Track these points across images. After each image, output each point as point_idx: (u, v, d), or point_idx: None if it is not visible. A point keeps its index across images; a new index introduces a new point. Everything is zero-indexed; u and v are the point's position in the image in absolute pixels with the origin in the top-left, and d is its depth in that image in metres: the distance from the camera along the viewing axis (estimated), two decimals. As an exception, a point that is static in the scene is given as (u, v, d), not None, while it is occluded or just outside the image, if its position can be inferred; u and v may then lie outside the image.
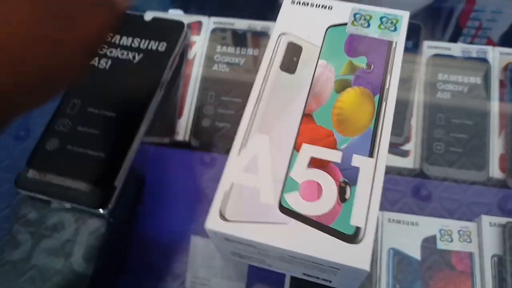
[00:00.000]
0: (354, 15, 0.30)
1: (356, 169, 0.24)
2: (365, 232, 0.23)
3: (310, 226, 0.23)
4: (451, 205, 0.37)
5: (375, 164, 0.24)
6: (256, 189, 0.24)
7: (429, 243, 0.35)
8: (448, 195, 0.38)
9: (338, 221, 0.23)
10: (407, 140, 0.39)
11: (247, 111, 0.27)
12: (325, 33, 0.29)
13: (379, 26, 0.29)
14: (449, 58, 0.42)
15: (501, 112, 0.40)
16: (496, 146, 0.39)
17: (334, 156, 0.25)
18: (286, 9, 0.30)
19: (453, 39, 0.62)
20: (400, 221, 0.36)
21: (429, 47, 0.42)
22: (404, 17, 0.29)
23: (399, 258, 0.34)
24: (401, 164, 0.39)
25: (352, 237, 0.23)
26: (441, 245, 0.35)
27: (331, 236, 0.23)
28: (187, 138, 0.41)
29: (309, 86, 0.27)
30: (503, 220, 0.34)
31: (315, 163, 0.25)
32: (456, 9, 0.61)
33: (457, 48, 0.42)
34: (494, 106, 0.40)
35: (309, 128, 0.26)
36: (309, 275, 0.27)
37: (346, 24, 0.29)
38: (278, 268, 0.28)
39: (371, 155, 0.25)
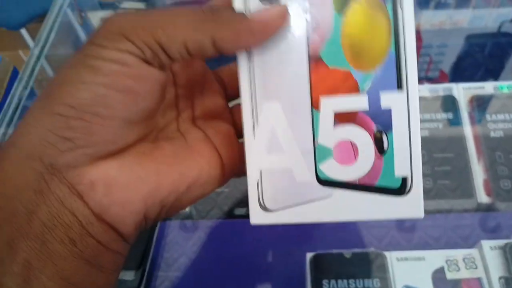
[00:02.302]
0: None
1: (388, 111, 0.21)
2: (412, 180, 0.21)
3: (355, 190, 0.21)
4: (435, 232, 0.40)
5: (406, 97, 0.21)
6: (287, 168, 0.22)
7: (438, 275, 0.37)
8: (431, 222, 0.41)
9: (382, 177, 0.21)
10: (398, 179, 0.43)
11: (242, 76, 0.22)
12: None
13: None
14: (420, 99, 0.46)
15: (476, 141, 0.44)
16: (478, 172, 0.43)
17: (360, 102, 0.21)
18: None
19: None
20: (408, 258, 0.38)
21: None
22: None
23: (415, 294, 0.36)
24: (396, 203, 0.42)
25: (401, 190, 0.21)
26: (450, 275, 0.37)
27: (379, 195, 0.21)
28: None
29: (303, 16, 0.21)
30: (502, 242, 0.37)
31: (341, 118, 0.21)
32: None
33: (425, 89, 0.46)
34: (469, 136, 0.44)
35: (322, 75, 0.21)
36: None
37: None
38: None
39: (400, 86, 0.21)
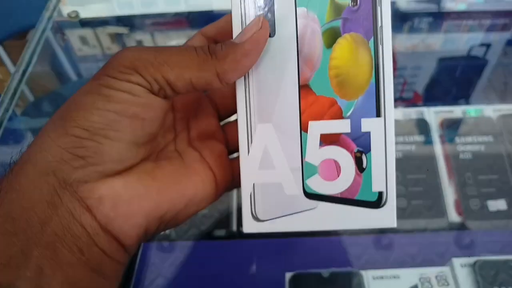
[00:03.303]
0: None
1: (368, 135, 0.24)
2: (386, 194, 0.24)
3: (337, 203, 0.24)
4: (411, 250, 0.42)
5: (384, 123, 0.24)
6: (278, 183, 0.25)
7: (413, 293, 0.39)
8: (407, 241, 0.43)
9: (361, 192, 0.24)
10: (374, 200, 0.44)
11: (239, 100, 0.25)
12: None
13: None
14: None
15: (446, 162, 0.46)
16: (449, 193, 0.45)
17: (343, 126, 0.24)
18: None
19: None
20: (383, 276, 0.40)
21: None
22: None
23: (392, 313, 0.38)
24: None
25: (377, 203, 0.24)
26: (424, 293, 0.39)
27: (358, 207, 0.24)
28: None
29: (295, 48, 0.24)
30: (472, 260, 0.39)
31: (326, 139, 0.24)
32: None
33: (398, 112, 0.49)
34: (440, 158, 0.47)
35: (310, 102, 0.24)
36: None
37: None
38: None
39: (378, 114, 0.24)
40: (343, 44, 0.24)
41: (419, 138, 0.48)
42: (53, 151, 0.20)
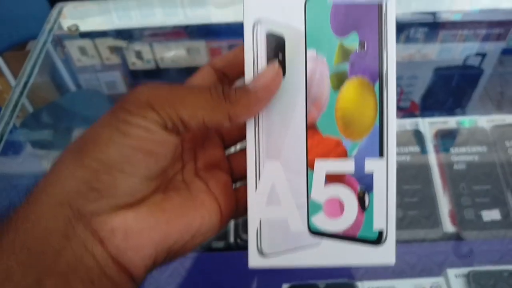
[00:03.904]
0: None
1: (371, 175, 0.25)
2: (387, 232, 0.25)
3: (340, 240, 0.25)
4: (409, 260, 0.43)
5: (386, 163, 0.25)
6: (283, 219, 0.26)
7: (408, 304, 0.40)
8: (405, 250, 0.43)
9: (363, 230, 0.25)
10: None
11: (249, 135, 0.26)
12: (305, 9, 0.25)
13: None
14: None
15: (441, 173, 0.47)
16: (444, 203, 0.46)
17: (347, 166, 0.25)
18: None
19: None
20: (379, 287, 0.41)
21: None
22: None
23: (388, 324, 0.39)
24: (368, 233, 0.45)
25: (377, 240, 0.25)
26: (419, 303, 0.40)
27: (359, 244, 0.25)
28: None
29: (304, 89, 0.25)
30: (466, 270, 0.40)
31: (331, 178, 0.25)
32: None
33: (393, 123, 0.50)
34: (434, 169, 0.47)
35: (317, 141, 0.26)
36: None
37: None
38: None
39: (381, 154, 0.25)
40: (349, 87, 0.25)
41: (414, 148, 0.48)
42: (70, 183, 0.20)
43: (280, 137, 0.26)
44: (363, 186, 0.25)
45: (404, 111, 0.72)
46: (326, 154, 0.25)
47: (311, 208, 0.26)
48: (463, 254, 0.44)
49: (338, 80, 0.25)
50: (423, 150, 0.48)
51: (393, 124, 0.25)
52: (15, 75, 1.12)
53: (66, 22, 0.71)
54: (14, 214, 0.20)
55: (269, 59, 0.25)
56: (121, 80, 0.84)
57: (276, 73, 0.24)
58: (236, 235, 0.46)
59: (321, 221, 0.26)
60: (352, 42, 0.25)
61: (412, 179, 0.47)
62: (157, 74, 0.79)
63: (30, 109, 0.68)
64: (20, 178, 0.58)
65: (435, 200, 0.46)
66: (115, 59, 0.82)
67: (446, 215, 0.46)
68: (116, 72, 0.86)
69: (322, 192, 0.25)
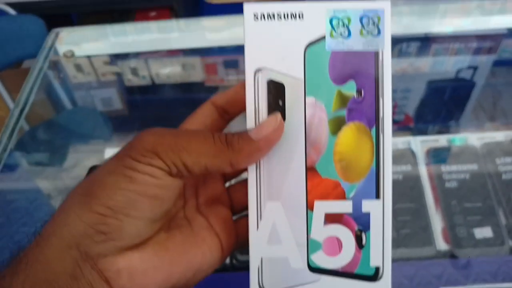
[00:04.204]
0: (331, 21, 0.26)
1: (368, 215, 0.26)
2: (383, 269, 0.26)
3: (338, 276, 0.27)
4: (402, 279, 0.43)
5: (382, 204, 0.26)
6: (284, 257, 0.27)
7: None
8: (397, 269, 0.44)
9: (360, 267, 0.27)
10: (363, 230, 0.46)
11: (250, 180, 0.27)
12: (304, 58, 0.26)
13: (361, 32, 0.26)
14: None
15: (433, 191, 0.48)
16: (436, 221, 0.47)
17: (345, 207, 0.27)
18: (251, 30, 0.27)
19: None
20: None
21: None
22: (385, 12, 0.26)
23: None
24: (362, 252, 0.45)
25: (374, 277, 0.26)
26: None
27: (356, 280, 0.26)
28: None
29: (303, 134, 0.27)
30: (459, 289, 0.41)
31: (330, 218, 0.27)
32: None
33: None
34: (427, 187, 0.48)
35: (316, 183, 0.27)
36: None
37: (324, 37, 0.26)
38: None
39: (377, 196, 0.26)
40: (347, 132, 0.26)
41: (406, 167, 0.49)
42: (78, 226, 0.21)
43: (281, 179, 0.27)
44: (360, 226, 0.26)
45: (398, 124, 0.73)
46: (325, 196, 0.27)
47: (311, 246, 0.27)
48: (456, 272, 0.45)
49: (336, 125, 0.27)
50: (415, 168, 0.49)
51: (389, 167, 0.26)
52: (10, 92, 1.13)
53: (62, 48, 0.72)
54: (24, 255, 0.21)
55: (269, 105, 0.26)
56: (117, 97, 0.85)
57: (278, 125, 0.25)
58: (232, 256, 0.47)
59: (320, 259, 0.27)
60: (350, 89, 0.26)
61: (404, 197, 0.48)
62: (152, 90, 0.80)
63: (26, 127, 0.69)
64: (15, 194, 0.59)
65: (428, 218, 0.47)
66: (110, 76, 0.83)
67: (439, 233, 0.46)
68: (112, 89, 0.86)
69: (321, 231, 0.27)
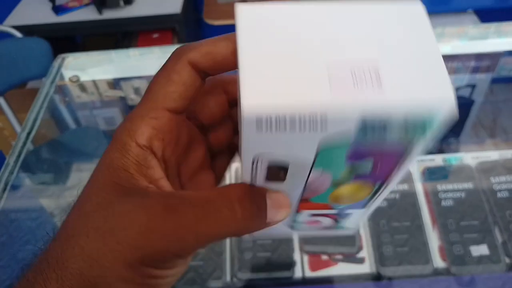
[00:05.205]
0: (363, 125, 0.18)
1: (349, 214, 0.29)
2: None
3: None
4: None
5: (366, 210, 0.28)
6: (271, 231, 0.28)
7: None
8: (398, 286, 0.45)
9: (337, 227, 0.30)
10: (360, 248, 0.47)
11: None
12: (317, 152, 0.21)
13: (399, 133, 0.19)
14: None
15: (430, 209, 0.49)
16: (433, 239, 0.48)
17: (330, 212, 0.28)
18: (252, 139, 0.20)
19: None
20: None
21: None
22: (441, 112, 0.18)
23: None
24: (359, 270, 0.46)
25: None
26: None
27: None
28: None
29: (302, 189, 0.24)
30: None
31: (315, 215, 0.29)
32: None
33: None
34: (423, 206, 0.50)
35: (306, 204, 0.27)
36: None
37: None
38: None
39: (363, 208, 0.28)
40: (349, 186, 0.25)
41: (403, 186, 0.51)
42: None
43: None
44: (340, 217, 0.29)
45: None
46: (312, 208, 0.28)
47: (296, 225, 0.30)
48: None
49: (340, 184, 0.24)
50: (411, 188, 0.50)
51: (384, 195, 0.26)
52: (15, 112, 1.16)
53: (68, 73, 0.74)
54: None
55: (269, 177, 0.23)
56: (120, 116, 0.87)
57: (288, 209, 0.25)
58: (232, 274, 0.48)
59: (303, 228, 0.30)
60: (365, 165, 0.22)
61: (401, 216, 0.49)
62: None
63: (30, 147, 0.71)
64: (18, 213, 0.61)
65: (425, 236, 0.48)
66: (113, 95, 0.85)
67: (436, 251, 0.47)
68: (115, 108, 0.89)
69: (306, 219, 0.29)
